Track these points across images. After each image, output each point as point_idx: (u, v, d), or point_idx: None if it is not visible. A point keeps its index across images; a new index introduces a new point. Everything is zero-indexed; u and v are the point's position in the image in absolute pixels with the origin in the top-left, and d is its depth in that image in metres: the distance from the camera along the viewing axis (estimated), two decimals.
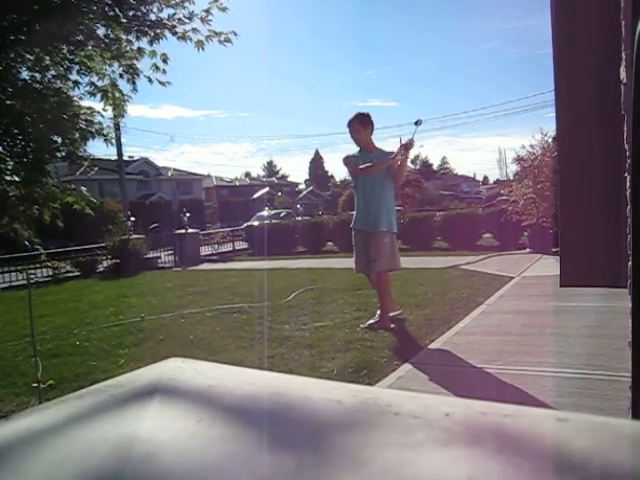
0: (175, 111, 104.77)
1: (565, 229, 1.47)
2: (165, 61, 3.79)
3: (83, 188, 3.93)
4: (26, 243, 3.44)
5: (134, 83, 3.75)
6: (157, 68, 3.79)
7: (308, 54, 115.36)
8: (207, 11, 3.59)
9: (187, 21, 3.59)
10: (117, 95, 3.87)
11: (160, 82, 3.81)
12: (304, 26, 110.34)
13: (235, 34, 3.71)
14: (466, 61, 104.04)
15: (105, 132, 3.75)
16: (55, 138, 3.53)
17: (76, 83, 3.68)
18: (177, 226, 14.48)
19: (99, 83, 3.78)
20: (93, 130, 3.64)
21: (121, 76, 3.77)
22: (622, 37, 1.12)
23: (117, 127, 4.23)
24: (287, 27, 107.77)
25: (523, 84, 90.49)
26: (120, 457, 0.36)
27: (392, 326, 4.22)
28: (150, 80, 3.78)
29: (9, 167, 3.49)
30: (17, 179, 3.53)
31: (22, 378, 3.58)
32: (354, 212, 4.44)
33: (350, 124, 4.29)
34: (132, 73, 3.71)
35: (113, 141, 3.93)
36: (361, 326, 4.28)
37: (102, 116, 3.81)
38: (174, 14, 3.56)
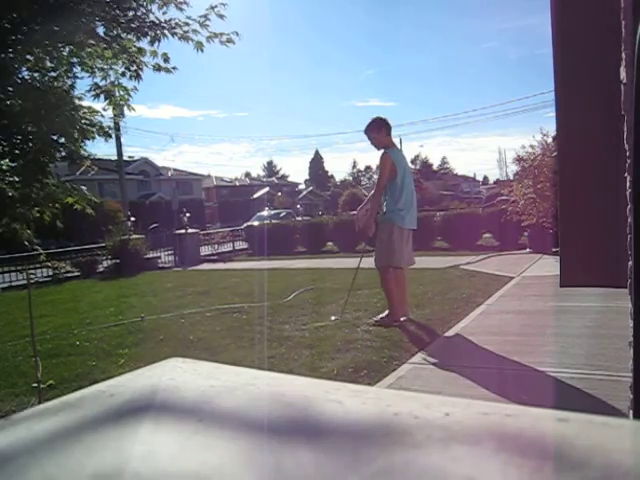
0: (173, 111, 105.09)
1: (565, 229, 1.47)
2: (166, 60, 3.79)
3: (83, 187, 3.90)
4: (26, 243, 3.41)
5: (138, 76, 3.74)
6: (159, 67, 3.80)
7: (307, 54, 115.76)
8: (205, 17, 3.59)
9: (185, 25, 3.59)
10: (121, 93, 3.86)
11: (166, 70, 3.81)
12: (303, 26, 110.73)
13: (237, 34, 3.71)
14: (466, 61, 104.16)
15: (105, 130, 3.74)
16: (55, 137, 3.53)
17: (74, 83, 3.67)
18: (177, 226, 14.50)
19: (102, 83, 3.78)
20: (93, 130, 3.63)
21: (123, 74, 3.76)
22: (622, 37, 1.12)
23: (117, 127, 4.22)
24: (286, 27, 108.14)
25: (523, 84, 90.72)
26: (120, 457, 0.36)
27: (394, 323, 4.27)
28: (157, 69, 3.77)
29: (9, 167, 3.48)
30: (17, 179, 3.52)
31: (22, 378, 3.58)
32: (396, 209, 4.33)
33: (367, 134, 4.47)
34: (137, 67, 3.70)
35: (113, 135, 3.92)
36: (378, 318, 4.40)
37: (102, 116, 3.80)
38: (170, 20, 3.56)
